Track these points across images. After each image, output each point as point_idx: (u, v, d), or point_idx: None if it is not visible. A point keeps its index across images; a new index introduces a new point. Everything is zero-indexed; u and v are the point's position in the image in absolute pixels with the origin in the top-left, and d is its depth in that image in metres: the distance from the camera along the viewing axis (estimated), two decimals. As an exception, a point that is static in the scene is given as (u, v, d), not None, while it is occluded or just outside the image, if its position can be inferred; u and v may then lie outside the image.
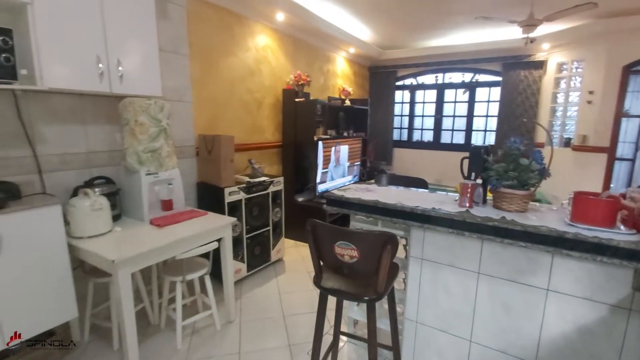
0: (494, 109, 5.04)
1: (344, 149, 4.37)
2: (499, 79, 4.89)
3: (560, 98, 4.49)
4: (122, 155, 2.09)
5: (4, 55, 1.47)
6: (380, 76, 5.85)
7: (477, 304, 1.56)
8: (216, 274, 2.34)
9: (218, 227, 2.12)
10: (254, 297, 2.65)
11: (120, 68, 1.90)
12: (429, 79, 5.70)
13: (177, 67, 2.55)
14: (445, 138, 5.56)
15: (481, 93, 5.27)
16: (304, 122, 3.73)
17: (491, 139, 5.09)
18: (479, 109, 5.32)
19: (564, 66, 4.39)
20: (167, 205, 2.19)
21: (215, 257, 2.19)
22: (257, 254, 2.99)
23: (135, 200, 2.08)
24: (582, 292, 1.33)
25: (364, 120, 5.14)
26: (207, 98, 2.96)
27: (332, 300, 1.53)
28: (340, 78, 5.12)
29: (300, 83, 3.78)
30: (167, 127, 2.09)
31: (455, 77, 5.44)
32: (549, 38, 4.22)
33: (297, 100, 3.74)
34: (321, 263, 1.37)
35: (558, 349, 1.40)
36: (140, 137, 1.98)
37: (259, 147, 3.61)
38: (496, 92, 5.00)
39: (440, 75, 5.55)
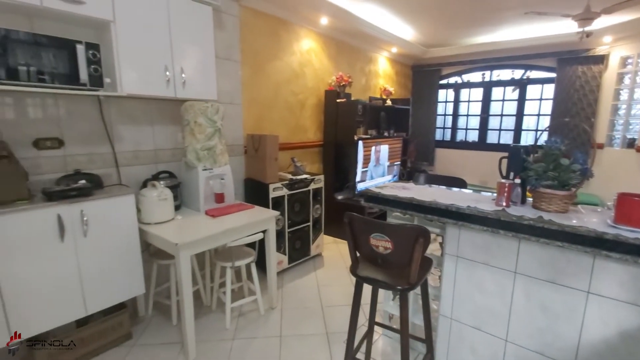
0: (547, 107, 4.75)
1: (384, 149, 4.40)
2: (553, 75, 4.60)
3: (624, 95, 4.12)
4: (183, 153, 2.36)
5: (93, 66, 1.76)
6: (423, 75, 5.77)
7: (514, 303, 1.57)
8: (260, 265, 2.54)
9: (263, 219, 2.31)
10: (294, 288, 2.82)
11: (183, 75, 2.16)
12: (475, 76, 5.51)
13: (230, 72, 2.80)
14: (492, 138, 5.34)
15: (533, 90, 4.98)
16: (344, 122, 3.84)
17: (543, 139, 4.80)
18: (530, 107, 5.03)
19: (629, 60, 4.02)
20: (219, 198, 2.42)
21: (260, 249, 2.38)
22: (297, 247, 3.16)
23: (193, 193, 2.34)
24: (626, 296, 1.29)
25: (405, 119, 5.12)
26: (254, 100, 3.19)
27: (367, 294, 1.63)
28: (382, 78, 5.15)
29: (341, 84, 3.89)
30: (221, 127, 2.33)
31: (504, 74, 5.20)
32: (611, 30, 3.90)
33: (338, 100, 3.85)
34: (357, 254, 1.48)
35: (599, 354, 1.38)
36: (199, 136, 2.23)
37: (301, 146, 3.78)
38: (549, 90, 4.70)
39: (487, 72, 5.34)
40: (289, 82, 3.55)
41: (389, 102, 4.84)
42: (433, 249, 1.91)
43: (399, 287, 1.31)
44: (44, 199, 1.68)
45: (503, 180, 1.53)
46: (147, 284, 2.17)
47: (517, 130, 5.10)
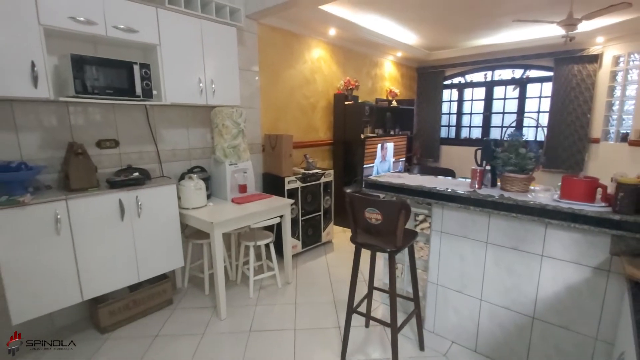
0: (546, 104, 4.99)
1: (389, 146, 4.76)
2: (551, 74, 4.84)
3: (617, 92, 4.33)
4: (212, 150, 2.79)
5: (145, 81, 2.20)
6: (428, 76, 6.08)
7: (486, 268, 1.91)
8: (278, 249, 2.95)
9: (280, 206, 2.71)
10: (307, 268, 3.21)
11: (213, 85, 2.58)
12: (477, 76, 5.78)
13: (250, 80, 3.22)
14: (495, 134, 5.60)
15: (532, 89, 5.23)
16: (352, 122, 4.21)
17: (543, 135, 5.04)
18: (530, 105, 5.28)
19: (621, 59, 4.24)
20: (242, 188, 2.84)
21: (277, 234, 2.79)
22: (310, 234, 3.55)
23: (221, 184, 2.76)
24: (570, 257, 1.62)
25: (410, 119, 5.45)
26: (271, 104, 3.60)
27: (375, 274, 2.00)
28: (387, 80, 5.49)
29: (349, 88, 4.26)
30: (243, 128, 2.74)
31: (505, 73, 5.46)
32: (603, 31, 4.13)
33: (346, 103, 4.23)
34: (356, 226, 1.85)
35: (551, 305, 1.71)
36: (225, 136, 2.65)
37: (313, 144, 4.18)
38: (548, 88, 4.94)
39: (489, 72, 5.61)
40: (301, 88, 3.96)
41: (394, 103, 5.19)
42: (424, 227, 2.26)
43: (387, 250, 1.68)
44: (108, 187, 2.13)
45: (475, 167, 1.88)
46: (184, 261, 2.61)
47: (519, 128, 5.34)
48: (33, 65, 1.76)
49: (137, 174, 2.28)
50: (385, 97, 5.28)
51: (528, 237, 1.74)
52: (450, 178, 2.23)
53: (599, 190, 1.53)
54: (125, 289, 2.34)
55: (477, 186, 1.87)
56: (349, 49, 4.56)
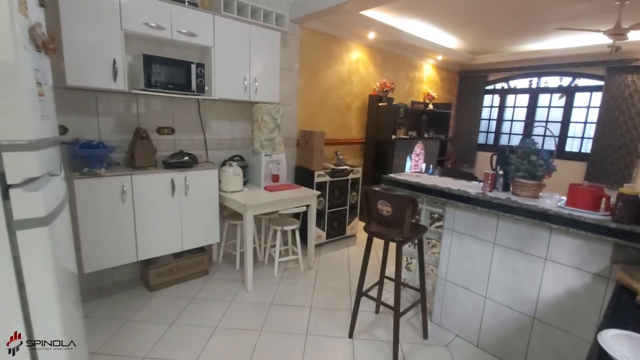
0: (594, 115, 4.74)
1: (420, 149, 4.83)
2: (602, 83, 4.60)
3: (677, 105, 4.03)
4: (251, 142, 3.12)
5: (199, 79, 2.56)
6: (469, 80, 6.00)
7: (492, 268, 2.02)
8: (303, 236, 3.21)
9: (307, 196, 2.97)
10: (329, 257, 3.45)
11: (256, 83, 2.90)
12: (521, 82, 5.61)
13: (289, 80, 3.51)
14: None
15: (580, 98, 4.98)
16: (384, 123, 4.36)
17: (588, 147, 4.81)
18: (576, 115, 5.04)
19: (682, 70, 3.95)
20: (275, 178, 3.14)
21: (303, 223, 3.04)
22: (335, 226, 3.78)
23: (256, 173, 3.08)
24: (572, 262, 1.70)
25: (446, 123, 5.45)
26: (308, 102, 3.87)
27: (390, 269, 2.18)
28: (426, 84, 5.53)
29: (384, 90, 4.41)
30: (280, 123, 3.04)
31: (552, 81, 5.25)
32: (665, 40, 3.87)
33: (380, 104, 4.38)
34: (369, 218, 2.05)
35: (551, 307, 1.79)
36: (263, 130, 2.96)
37: (345, 142, 4.39)
38: (597, 98, 4.70)
39: (534, 79, 5.42)
40: (337, 88, 4.18)
41: (430, 107, 5.23)
42: (438, 226, 2.39)
43: (396, 239, 1.86)
44: (164, 167, 2.52)
45: (487, 171, 1.99)
46: (220, 238, 2.96)
47: (562, 137, 5.14)
48: (114, 62, 2.17)
49: (187, 158, 2.65)
50: (422, 100, 5.33)
51: (533, 241, 1.82)
52: (465, 181, 2.33)
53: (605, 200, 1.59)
54: (170, 256, 2.73)
55: (488, 189, 1.98)
56: (387, 51, 4.70)
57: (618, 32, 3.00)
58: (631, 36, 3.30)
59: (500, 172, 2.00)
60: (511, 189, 1.96)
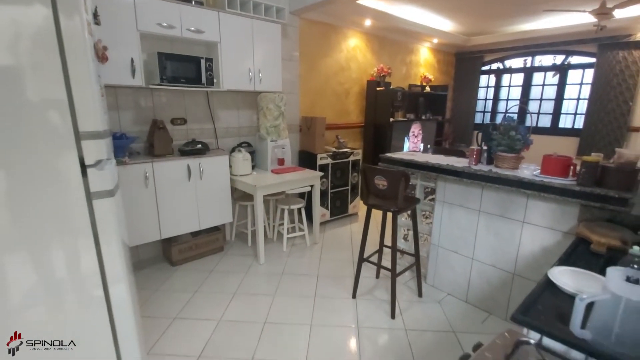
0: (587, 91, 4.89)
1: (417, 130, 5.02)
2: (594, 60, 4.72)
3: (665, 79, 4.18)
4: (257, 129, 3.34)
5: (208, 72, 2.77)
6: (466, 62, 6.12)
7: (478, 232, 2.27)
8: (308, 215, 3.46)
9: (311, 177, 3.22)
10: (333, 234, 3.72)
11: (260, 74, 3.11)
12: (516, 62, 5.73)
13: (291, 69, 3.70)
14: (529, 122, 5.58)
15: (573, 75, 5.12)
16: (382, 107, 4.55)
17: (581, 123, 4.98)
18: (570, 92, 5.18)
19: (670, 45, 4.07)
20: (281, 162, 3.39)
21: (308, 202, 3.29)
22: (337, 205, 4.04)
23: (263, 157, 3.32)
24: (546, 223, 1.94)
25: (443, 104, 5.62)
26: (308, 90, 4.07)
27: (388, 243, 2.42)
28: (422, 67, 5.67)
29: (381, 75, 4.58)
30: (284, 111, 3.26)
31: (546, 59, 5.37)
32: (653, 15, 3.99)
33: (377, 89, 4.56)
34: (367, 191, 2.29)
35: (528, 263, 2.04)
36: (268, 117, 3.18)
37: (345, 126, 4.60)
38: (590, 74, 4.83)
39: (528, 58, 5.54)
40: (336, 75, 4.36)
41: (427, 89, 5.39)
42: (431, 199, 2.63)
43: (391, 210, 2.11)
44: (180, 155, 2.77)
45: (472, 147, 2.21)
46: (232, 217, 3.23)
47: (556, 114, 5.30)
48: (132, 61, 2.39)
49: (200, 145, 2.89)
50: (419, 83, 5.49)
51: (513, 207, 2.06)
52: (454, 157, 2.56)
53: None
54: (189, 235, 3.01)
55: (473, 163, 2.21)
56: (383, 37, 4.84)
57: (603, 12, 3.14)
58: (620, 14, 3.44)
59: (485, 148, 2.22)
60: (494, 162, 2.18)
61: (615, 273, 0.82)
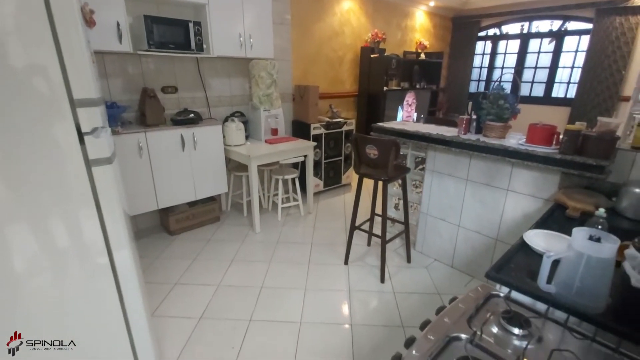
0: (582, 60, 4.85)
1: (411, 100, 4.99)
2: (590, 26, 4.65)
3: (659, 47, 4.15)
4: (249, 98, 3.31)
5: (197, 37, 2.69)
6: (462, 27, 5.97)
7: (465, 200, 2.36)
8: (302, 185, 3.52)
9: (304, 147, 3.24)
10: (326, 204, 3.81)
11: (251, 40, 3.02)
12: (513, 28, 5.60)
13: (282, 34, 3.59)
14: (524, 90, 5.56)
15: (570, 42, 5.05)
16: (376, 75, 4.49)
17: (574, 92, 4.99)
18: (565, 60, 5.14)
19: (668, 11, 4.01)
20: (274, 131, 3.39)
21: (301, 173, 3.33)
22: (331, 176, 4.10)
23: (257, 127, 3.32)
24: (528, 191, 2.02)
25: (438, 72, 5.55)
26: (301, 57, 3.97)
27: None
28: (418, 32, 5.52)
29: (376, 40, 4.47)
30: (276, 79, 3.21)
31: (543, 25, 5.26)
32: (654, -21, 3.89)
33: (372, 56, 4.47)
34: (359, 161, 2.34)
35: (510, 230, 2.15)
36: (261, 86, 3.14)
37: (338, 95, 4.55)
38: (586, 42, 4.77)
39: (526, 24, 5.42)
40: (329, 40, 4.25)
41: (422, 56, 5.29)
42: (421, 168, 2.70)
43: (382, 178, 2.17)
44: (172, 124, 2.75)
45: (461, 116, 2.24)
46: (227, 188, 3.28)
47: (550, 83, 5.28)
48: (118, 25, 2.31)
49: (192, 115, 2.87)
50: (414, 50, 5.38)
51: (498, 175, 2.14)
52: (445, 127, 2.59)
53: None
54: (185, 205, 3.07)
55: (462, 132, 2.25)
56: None
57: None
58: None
59: (474, 117, 2.26)
60: (482, 132, 2.23)
61: (579, 233, 0.90)
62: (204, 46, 2.76)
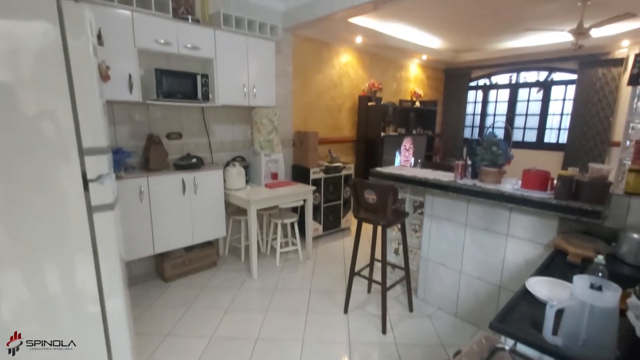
0: (570, 107, 5.08)
1: (409, 144, 5.14)
2: (575, 77, 4.93)
3: (643, 96, 4.37)
4: (251, 143, 3.41)
5: (204, 88, 2.85)
6: (454, 77, 6.33)
7: (465, 245, 2.33)
8: (301, 229, 3.51)
9: (304, 191, 3.28)
10: (325, 248, 3.76)
11: (254, 90, 3.20)
12: (502, 78, 5.94)
13: (284, 84, 3.81)
14: (517, 136, 5.75)
15: (557, 91, 5.33)
16: (374, 122, 4.67)
17: (565, 137, 5.15)
18: (554, 107, 5.38)
19: (645, 64, 4.28)
20: (274, 176, 3.45)
21: (301, 216, 3.34)
22: (330, 220, 4.08)
23: (257, 171, 3.38)
24: (528, 236, 2.01)
25: (433, 119, 5.78)
26: (302, 105, 4.17)
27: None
28: (412, 82, 5.85)
29: (373, 90, 4.72)
30: (277, 126, 3.34)
31: (530, 76, 5.59)
32: (628, 35, 4.20)
33: (369, 104, 4.69)
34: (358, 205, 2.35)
35: (513, 276, 2.10)
36: (262, 132, 3.26)
37: (337, 141, 4.69)
38: (572, 90, 5.04)
39: (514, 74, 5.75)
40: (329, 90, 4.48)
41: (417, 104, 5.54)
42: (421, 212, 2.70)
43: (381, 223, 2.17)
44: (175, 169, 2.81)
45: (457, 162, 2.30)
46: (226, 232, 3.26)
47: (541, 129, 5.47)
48: (130, 77, 2.46)
49: (195, 160, 2.95)
50: (410, 98, 5.65)
51: (497, 220, 2.14)
52: (442, 171, 2.64)
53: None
54: (182, 250, 3.03)
55: (459, 177, 2.29)
56: (375, 53, 5.01)
57: (580, 31, 3.32)
58: (596, 33, 3.62)
59: (469, 162, 2.32)
60: (478, 177, 2.27)
61: (580, 281, 0.89)
62: (210, 96, 2.92)
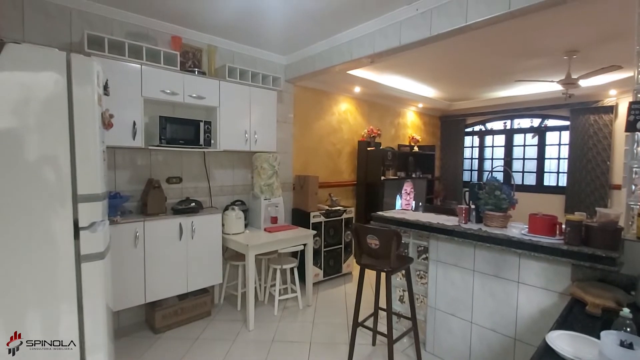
0: (566, 151, 5.17)
1: (409, 188, 5.13)
2: (568, 123, 5.08)
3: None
4: (251, 187, 3.40)
5: (207, 134, 2.91)
6: (450, 124, 6.52)
7: (474, 293, 2.21)
8: (301, 275, 3.38)
9: (304, 235, 3.20)
10: (326, 295, 3.58)
11: (255, 136, 3.26)
12: (497, 124, 6.12)
13: (285, 130, 3.90)
14: (517, 179, 5.78)
15: (552, 136, 5.45)
16: (373, 165, 4.72)
17: (565, 180, 5.16)
18: (550, 151, 5.48)
19: (634, 111, 4.43)
20: (274, 220, 3.39)
21: (300, 262, 3.23)
22: (331, 264, 3.94)
23: (256, 215, 3.33)
24: (540, 283, 1.91)
25: (432, 163, 5.85)
26: (302, 150, 4.24)
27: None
28: (410, 128, 6.01)
29: (372, 136, 4.83)
30: (277, 170, 3.35)
31: (524, 122, 5.76)
32: (615, 85, 4.40)
33: (368, 149, 4.77)
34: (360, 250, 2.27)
35: (528, 327, 1.96)
36: (262, 176, 3.26)
37: (337, 185, 4.70)
38: (567, 136, 5.16)
39: (508, 121, 5.94)
40: (328, 135, 4.59)
41: (416, 149, 5.65)
42: (424, 258, 2.61)
43: (385, 269, 2.08)
44: (173, 214, 2.77)
45: (460, 206, 2.27)
46: (222, 279, 3.12)
47: (540, 173, 5.51)
48: (134, 124, 2.51)
49: (193, 204, 2.91)
50: (407, 143, 5.77)
51: (506, 266, 2.05)
52: (445, 215, 2.60)
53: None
54: (175, 298, 2.87)
55: (463, 221, 2.24)
56: (372, 102, 5.21)
57: (569, 82, 3.48)
58: (585, 83, 3.79)
59: (473, 207, 2.28)
60: (483, 221, 2.22)
61: (609, 338, 0.81)
62: (212, 141, 2.97)
